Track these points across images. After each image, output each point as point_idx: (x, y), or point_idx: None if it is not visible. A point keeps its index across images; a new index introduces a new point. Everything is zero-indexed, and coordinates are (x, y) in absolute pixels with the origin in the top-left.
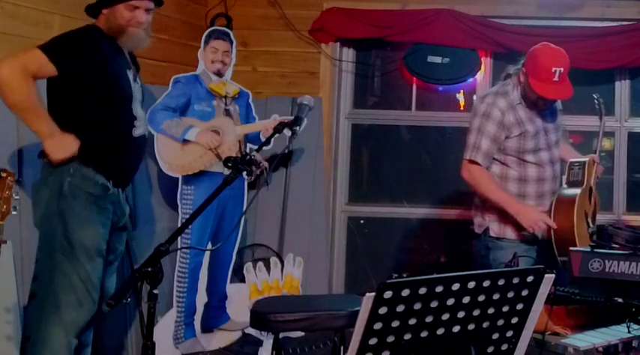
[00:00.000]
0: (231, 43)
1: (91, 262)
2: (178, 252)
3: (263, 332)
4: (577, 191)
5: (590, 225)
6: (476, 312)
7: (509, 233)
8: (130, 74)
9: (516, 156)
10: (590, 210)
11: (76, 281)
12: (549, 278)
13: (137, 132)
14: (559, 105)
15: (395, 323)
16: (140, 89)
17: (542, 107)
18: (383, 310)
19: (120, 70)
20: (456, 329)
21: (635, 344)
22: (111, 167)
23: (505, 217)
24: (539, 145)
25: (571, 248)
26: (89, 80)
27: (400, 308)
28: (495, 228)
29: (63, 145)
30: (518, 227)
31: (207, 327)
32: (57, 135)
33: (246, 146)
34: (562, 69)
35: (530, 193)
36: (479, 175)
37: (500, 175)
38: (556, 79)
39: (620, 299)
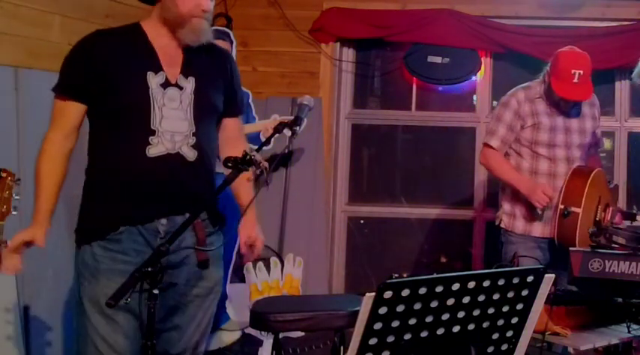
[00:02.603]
0: (231, 43)
1: (107, 320)
2: None
3: (263, 332)
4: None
5: (598, 212)
6: (476, 312)
7: (518, 226)
8: (154, 78)
9: (529, 147)
10: (605, 202)
11: (94, 346)
12: (549, 278)
13: (154, 150)
14: (592, 112)
15: (395, 323)
16: (187, 94)
17: (564, 107)
18: (383, 310)
19: (132, 74)
20: (456, 329)
21: (635, 344)
22: (118, 201)
23: (514, 210)
24: (555, 141)
25: (571, 248)
26: (91, 96)
27: (400, 308)
28: (505, 219)
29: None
30: (530, 211)
31: None
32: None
33: None
34: (581, 71)
35: None
36: (492, 158)
37: (514, 166)
38: (575, 80)
39: (620, 299)
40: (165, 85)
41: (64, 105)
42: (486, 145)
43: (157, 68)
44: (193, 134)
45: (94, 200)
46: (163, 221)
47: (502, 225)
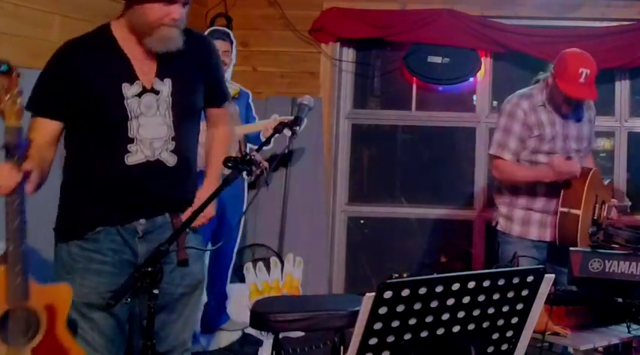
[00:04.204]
0: (232, 43)
1: (83, 317)
2: None
3: (263, 332)
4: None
5: (596, 211)
6: (476, 312)
7: (515, 229)
8: (130, 89)
9: (528, 156)
10: (601, 199)
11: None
12: (549, 278)
13: (133, 158)
14: (589, 116)
15: (395, 323)
16: (163, 98)
17: (566, 111)
18: (383, 310)
19: (107, 88)
20: (456, 329)
21: (635, 344)
22: (96, 204)
23: (511, 214)
24: (555, 150)
25: (571, 248)
26: (67, 113)
27: (400, 308)
28: (502, 222)
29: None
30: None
31: (208, 327)
32: None
33: (246, 146)
34: (589, 71)
35: (540, 192)
36: (507, 167)
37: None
38: (582, 80)
39: (620, 299)
40: (142, 93)
41: (37, 122)
42: (496, 158)
43: (132, 78)
44: (172, 138)
45: (73, 201)
46: (142, 221)
47: (499, 228)
